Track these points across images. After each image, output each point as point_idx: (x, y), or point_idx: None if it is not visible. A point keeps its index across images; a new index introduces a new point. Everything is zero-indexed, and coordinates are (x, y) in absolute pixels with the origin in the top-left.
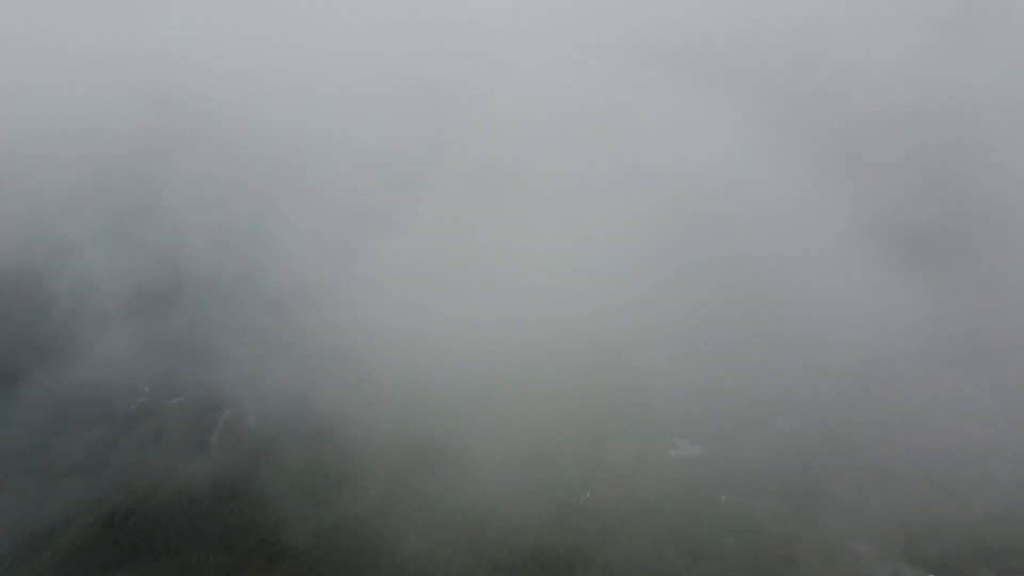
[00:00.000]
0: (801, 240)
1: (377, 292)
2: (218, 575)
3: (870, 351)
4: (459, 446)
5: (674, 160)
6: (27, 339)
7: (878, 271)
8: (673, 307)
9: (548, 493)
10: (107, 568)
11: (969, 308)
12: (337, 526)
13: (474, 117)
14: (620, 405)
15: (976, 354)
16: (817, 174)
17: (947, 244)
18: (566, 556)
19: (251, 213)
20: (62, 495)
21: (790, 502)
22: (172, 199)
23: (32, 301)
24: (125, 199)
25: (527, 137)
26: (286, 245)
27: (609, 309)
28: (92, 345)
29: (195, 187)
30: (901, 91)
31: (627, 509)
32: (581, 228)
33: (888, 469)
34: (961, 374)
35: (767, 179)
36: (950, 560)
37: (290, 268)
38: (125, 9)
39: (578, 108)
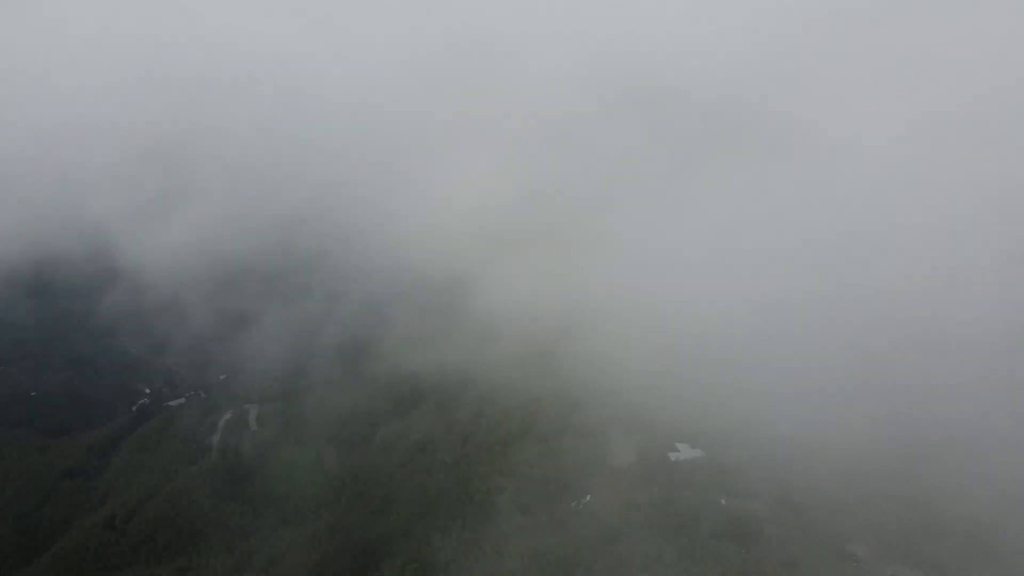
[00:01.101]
0: None
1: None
2: None
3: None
4: (459, 446)
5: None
6: (25, 340)
7: None
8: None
9: (549, 495)
10: (107, 570)
11: None
12: (337, 527)
13: None
14: (622, 408)
15: None
16: None
17: None
18: (566, 559)
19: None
20: (62, 496)
21: (790, 505)
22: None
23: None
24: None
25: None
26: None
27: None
28: (95, 345)
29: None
30: None
31: (627, 512)
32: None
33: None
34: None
35: None
36: (949, 562)
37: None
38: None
39: None
